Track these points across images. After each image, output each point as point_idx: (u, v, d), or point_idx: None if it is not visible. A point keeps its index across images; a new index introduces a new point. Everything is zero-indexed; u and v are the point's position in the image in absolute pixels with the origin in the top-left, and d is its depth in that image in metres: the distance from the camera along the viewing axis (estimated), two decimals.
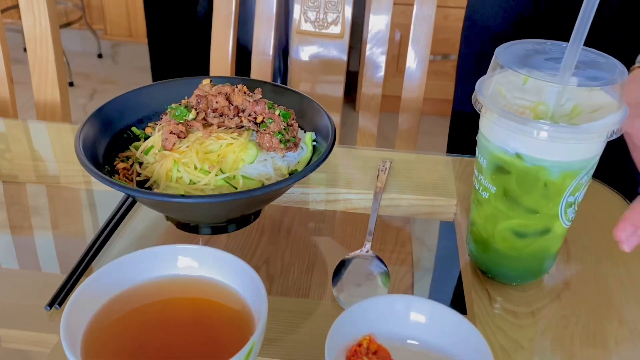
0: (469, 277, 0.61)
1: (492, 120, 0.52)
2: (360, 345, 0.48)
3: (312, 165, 0.58)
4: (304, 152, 0.65)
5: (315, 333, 0.54)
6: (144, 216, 0.71)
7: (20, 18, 0.98)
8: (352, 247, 0.67)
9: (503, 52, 0.54)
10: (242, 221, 0.65)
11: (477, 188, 0.57)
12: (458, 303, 0.60)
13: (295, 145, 0.64)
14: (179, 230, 0.68)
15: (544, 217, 0.54)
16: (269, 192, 0.55)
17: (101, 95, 2.76)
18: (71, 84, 2.80)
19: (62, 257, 0.65)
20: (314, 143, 0.66)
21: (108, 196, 0.72)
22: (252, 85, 0.69)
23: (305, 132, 0.67)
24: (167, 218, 0.66)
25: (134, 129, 0.68)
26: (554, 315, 0.57)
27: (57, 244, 0.67)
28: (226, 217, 0.63)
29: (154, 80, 1.97)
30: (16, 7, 2.40)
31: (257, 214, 0.66)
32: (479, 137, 0.56)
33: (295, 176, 0.56)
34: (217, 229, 0.65)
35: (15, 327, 0.54)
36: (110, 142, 0.65)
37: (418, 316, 0.49)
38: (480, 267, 0.61)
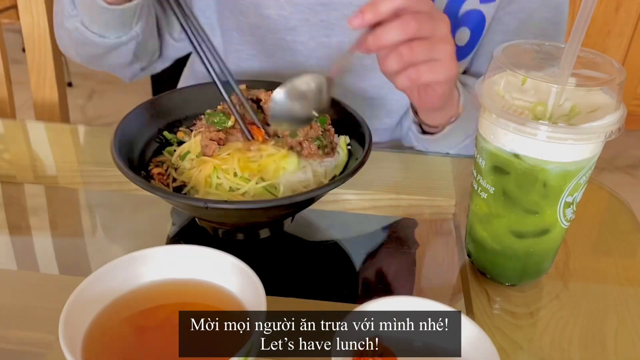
0: (467, 278, 0.61)
1: (490, 121, 0.52)
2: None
3: (350, 170, 0.58)
4: (340, 156, 0.65)
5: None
6: (143, 216, 0.71)
7: (18, 18, 0.97)
8: (353, 246, 0.67)
9: (501, 52, 0.54)
10: (277, 227, 0.66)
11: (476, 188, 0.57)
12: (457, 304, 0.60)
13: (333, 150, 0.64)
14: (179, 230, 0.68)
15: (543, 218, 0.54)
16: (319, 194, 0.56)
17: (100, 95, 2.76)
18: (70, 84, 2.80)
19: (61, 258, 0.64)
20: (348, 147, 0.66)
21: (106, 196, 0.72)
22: None
23: (338, 136, 0.67)
24: (200, 222, 0.66)
25: (165, 133, 0.68)
26: (553, 316, 0.57)
27: (55, 245, 0.67)
28: (266, 222, 0.64)
29: (153, 80, 1.97)
30: (15, 7, 2.40)
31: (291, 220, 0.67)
32: (477, 138, 0.56)
33: (336, 182, 0.57)
34: (251, 235, 0.65)
35: (12, 328, 0.53)
36: (144, 147, 0.65)
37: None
38: (479, 267, 0.61)
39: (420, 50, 0.58)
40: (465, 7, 0.76)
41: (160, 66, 0.91)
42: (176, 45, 0.88)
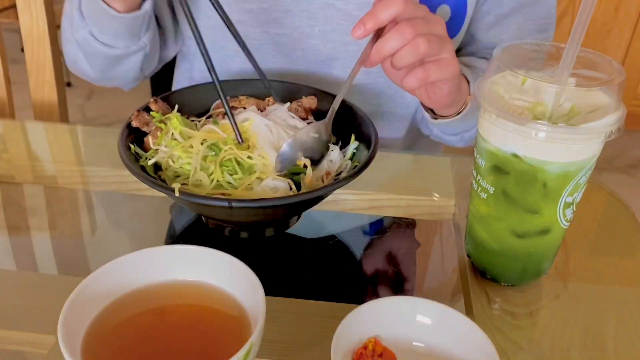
0: (467, 278, 0.61)
1: (490, 121, 0.52)
2: (365, 347, 0.47)
3: (360, 166, 0.59)
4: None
5: (318, 335, 0.54)
6: (143, 216, 0.70)
7: (17, 18, 0.97)
8: (353, 247, 0.67)
9: (501, 52, 0.54)
10: (283, 226, 0.66)
11: (476, 188, 0.57)
12: (456, 304, 0.59)
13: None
14: (179, 230, 0.68)
15: (543, 218, 0.54)
16: (322, 194, 0.56)
17: (99, 95, 2.76)
18: (69, 84, 2.79)
19: (59, 258, 0.64)
20: (354, 150, 0.67)
21: (106, 196, 0.72)
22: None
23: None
24: (207, 221, 0.66)
25: None
26: (553, 316, 0.57)
27: (54, 245, 0.67)
28: (273, 221, 0.65)
29: (152, 79, 1.97)
30: (13, 7, 2.40)
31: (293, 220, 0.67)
32: (477, 138, 0.56)
33: (341, 181, 0.57)
34: (256, 234, 0.66)
35: (11, 328, 0.53)
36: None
37: (424, 318, 0.49)
38: (479, 267, 0.61)
39: (425, 47, 0.58)
40: None
41: (153, 71, 0.92)
42: (173, 47, 0.88)
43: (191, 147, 0.61)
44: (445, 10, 0.78)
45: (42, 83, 1.01)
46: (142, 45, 0.76)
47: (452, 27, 0.80)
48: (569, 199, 0.54)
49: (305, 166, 0.61)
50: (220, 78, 0.77)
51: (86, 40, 0.75)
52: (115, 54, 0.76)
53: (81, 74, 0.85)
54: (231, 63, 0.83)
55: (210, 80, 0.64)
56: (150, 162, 0.61)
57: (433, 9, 0.77)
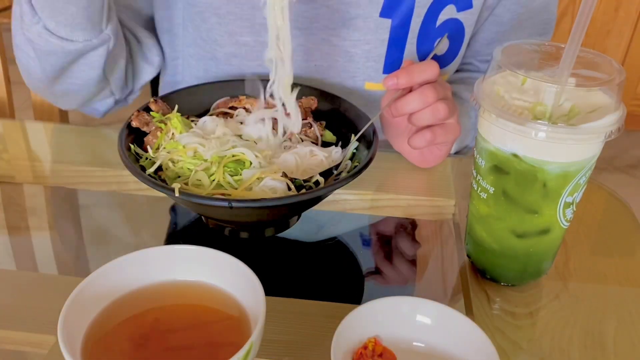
0: (467, 278, 0.61)
1: (490, 121, 0.52)
2: (365, 347, 0.47)
3: (360, 167, 0.59)
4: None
5: (318, 335, 0.54)
6: (143, 216, 0.70)
7: None
8: (353, 247, 0.67)
9: (501, 52, 0.54)
10: (283, 226, 0.67)
11: (476, 188, 0.57)
12: (456, 304, 0.59)
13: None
14: (179, 230, 0.68)
15: (543, 218, 0.54)
16: (335, 188, 0.57)
17: None
18: None
19: (59, 258, 0.64)
20: (354, 151, 0.67)
21: (106, 196, 0.72)
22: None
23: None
24: (207, 221, 0.66)
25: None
26: (553, 316, 0.57)
27: (55, 245, 0.67)
28: (273, 220, 0.65)
29: (151, 80, 1.97)
30: None
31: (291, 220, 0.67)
32: (477, 138, 0.56)
33: (341, 181, 0.57)
34: (256, 234, 0.66)
35: (11, 328, 0.53)
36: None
37: (424, 318, 0.49)
38: (479, 267, 0.61)
39: (445, 112, 0.64)
40: (442, 17, 0.77)
41: (132, 98, 0.88)
42: (150, 70, 0.85)
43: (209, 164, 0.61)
44: (443, 41, 0.79)
45: None
46: (105, 38, 0.68)
47: (448, 56, 0.81)
48: (569, 199, 0.54)
49: (317, 182, 0.62)
50: (220, 79, 0.78)
51: (40, 36, 0.67)
52: (75, 49, 0.68)
53: (34, 87, 0.79)
54: (231, 66, 0.83)
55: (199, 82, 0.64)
56: (153, 168, 0.61)
57: (433, 42, 0.78)
